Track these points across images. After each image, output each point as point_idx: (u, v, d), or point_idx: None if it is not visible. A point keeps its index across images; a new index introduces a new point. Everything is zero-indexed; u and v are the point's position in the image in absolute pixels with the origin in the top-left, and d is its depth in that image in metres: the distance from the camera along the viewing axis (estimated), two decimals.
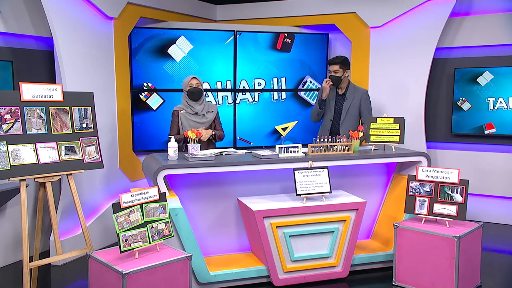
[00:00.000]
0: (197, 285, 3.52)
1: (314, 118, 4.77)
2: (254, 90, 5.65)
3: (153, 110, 5.26)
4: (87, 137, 3.50)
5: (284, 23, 5.93)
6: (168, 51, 5.24)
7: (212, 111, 4.26)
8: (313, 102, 5.79)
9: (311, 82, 5.81)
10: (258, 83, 5.64)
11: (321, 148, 3.98)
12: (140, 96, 5.18)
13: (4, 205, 4.05)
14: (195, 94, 4.13)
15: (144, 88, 5.19)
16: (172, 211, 3.29)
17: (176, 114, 4.20)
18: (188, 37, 5.30)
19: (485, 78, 5.23)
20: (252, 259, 3.83)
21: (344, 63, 4.51)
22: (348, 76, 4.63)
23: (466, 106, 5.32)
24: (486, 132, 5.26)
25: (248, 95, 5.64)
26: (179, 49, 5.28)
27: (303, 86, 5.80)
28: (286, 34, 5.63)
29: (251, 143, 5.68)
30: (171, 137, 3.75)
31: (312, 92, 5.84)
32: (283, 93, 5.75)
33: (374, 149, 4.22)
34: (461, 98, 5.32)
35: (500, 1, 5.18)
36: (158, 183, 3.42)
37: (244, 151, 4.05)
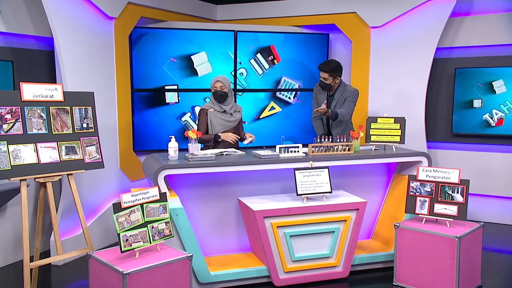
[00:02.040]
0: (197, 285, 3.51)
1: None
2: (256, 90, 5.64)
3: (154, 110, 5.24)
4: (87, 137, 3.50)
5: (285, 23, 5.93)
6: (193, 57, 5.28)
7: (239, 111, 4.30)
8: (290, 101, 5.78)
9: (289, 82, 5.76)
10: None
11: (322, 148, 3.98)
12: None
13: (5, 205, 4.04)
14: (219, 97, 4.15)
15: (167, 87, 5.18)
16: (173, 211, 3.29)
17: (205, 112, 4.21)
18: (189, 37, 5.30)
19: (497, 86, 5.19)
20: (252, 259, 3.83)
21: (334, 71, 4.36)
22: (338, 81, 4.45)
23: (477, 103, 5.27)
24: (493, 124, 5.19)
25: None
26: (201, 65, 5.32)
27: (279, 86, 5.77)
28: (271, 58, 5.59)
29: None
30: (171, 137, 3.75)
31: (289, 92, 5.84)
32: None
33: (374, 149, 4.22)
34: (478, 98, 5.25)
35: (501, 1, 5.18)
36: (159, 183, 3.42)
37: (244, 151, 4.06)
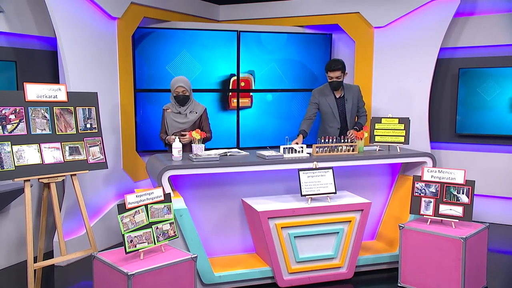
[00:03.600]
0: (202, 286, 3.50)
1: None
2: (258, 91, 5.63)
3: (158, 109, 5.24)
4: (91, 138, 3.49)
5: (288, 23, 5.92)
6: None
7: (196, 112, 4.17)
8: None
9: None
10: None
11: (326, 148, 3.96)
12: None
13: (8, 205, 4.03)
14: (181, 101, 4.13)
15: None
16: (177, 211, 3.28)
17: (164, 113, 4.24)
18: (192, 37, 5.28)
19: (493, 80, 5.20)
20: (256, 260, 3.82)
21: (344, 66, 4.37)
22: None
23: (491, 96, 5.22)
24: None
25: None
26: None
27: None
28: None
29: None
30: (175, 137, 3.74)
31: None
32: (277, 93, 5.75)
33: (378, 150, 4.20)
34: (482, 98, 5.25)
35: (505, 1, 5.16)
36: (163, 183, 3.41)
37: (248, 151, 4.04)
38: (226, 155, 3.84)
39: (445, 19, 5.22)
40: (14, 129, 3.08)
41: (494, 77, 5.20)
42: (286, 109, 5.77)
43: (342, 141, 4.01)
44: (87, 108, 3.49)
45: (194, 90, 5.34)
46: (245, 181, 3.89)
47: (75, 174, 3.42)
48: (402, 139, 4.12)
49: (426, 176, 3.66)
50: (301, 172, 3.62)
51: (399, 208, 4.15)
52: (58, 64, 4.36)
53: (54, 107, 3.29)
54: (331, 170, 3.69)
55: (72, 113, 3.40)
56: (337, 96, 4.51)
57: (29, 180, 3.14)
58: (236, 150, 4.01)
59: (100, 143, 3.55)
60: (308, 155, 3.91)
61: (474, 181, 3.55)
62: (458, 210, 3.53)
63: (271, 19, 5.98)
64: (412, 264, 3.58)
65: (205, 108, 4.26)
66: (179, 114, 4.15)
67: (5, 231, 4.05)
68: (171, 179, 3.59)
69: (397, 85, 5.51)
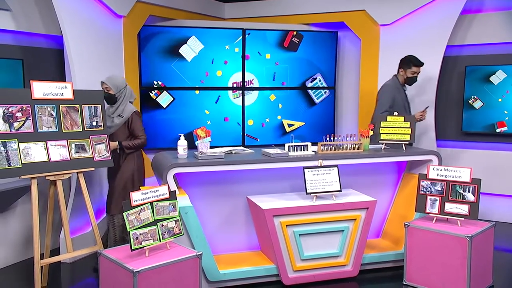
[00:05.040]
0: (206, 284, 3.51)
1: None
2: (263, 89, 5.63)
3: (163, 108, 5.26)
4: (97, 135, 3.51)
5: (293, 21, 5.91)
6: (179, 50, 5.24)
7: (123, 116, 3.88)
8: (317, 101, 5.78)
9: (320, 80, 5.79)
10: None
11: (331, 146, 3.96)
12: (150, 94, 5.19)
13: (15, 203, 4.06)
14: (106, 99, 3.81)
15: (154, 86, 5.19)
16: (182, 209, 3.29)
17: None
18: (197, 36, 5.29)
19: (498, 77, 5.18)
20: (261, 258, 3.82)
21: None
22: None
23: (477, 104, 5.27)
24: (498, 130, 5.20)
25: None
26: (190, 49, 5.27)
27: (311, 83, 5.77)
28: (294, 33, 5.60)
29: (258, 140, 5.65)
30: (181, 135, 3.75)
31: (319, 90, 5.82)
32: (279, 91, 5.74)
33: (384, 148, 4.19)
34: (472, 96, 5.27)
35: None
36: (168, 181, 3.42)
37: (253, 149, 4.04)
38: (231, 153, 3.85)
39: (452, 17, 5.18)
40: (21, 126, 3.11)
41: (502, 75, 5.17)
42: (292, 107, 5.77)
43: (347, 139, 4.01)
44: (93, 106, 3.51)
45: (200, 88, 5.37)
46: (250, 179, 3.89)
47: (81, 172, 3.44)
48: (407, 137, 4.10)
49: (432, 174, 3.64)
50: (306, 170, 3.62)
51: (404, 206, 4.14)
52: (65, 62, 4.38)
53: (60, 105, 3.31)
54: (336, 168, 3.69)
55: (78, 111, 3.42)
56: (405, 91, 4.79)
57: (35, 177, 3.17)
58: (241, 148, 4.02)
59: (106, 140, 3.56)
60: (313, 153, 3.91)
61: (480, 179, 3.53)
62: (464, 209, 3.52)
63: (276, 17, 5.98)
64: (418, 263, 3.58)
65: (135, 111, 3.93)
66: (109, 117, 3.88)
67: (12, 228, 4.08)
68: (177, 176, 3.60)
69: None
